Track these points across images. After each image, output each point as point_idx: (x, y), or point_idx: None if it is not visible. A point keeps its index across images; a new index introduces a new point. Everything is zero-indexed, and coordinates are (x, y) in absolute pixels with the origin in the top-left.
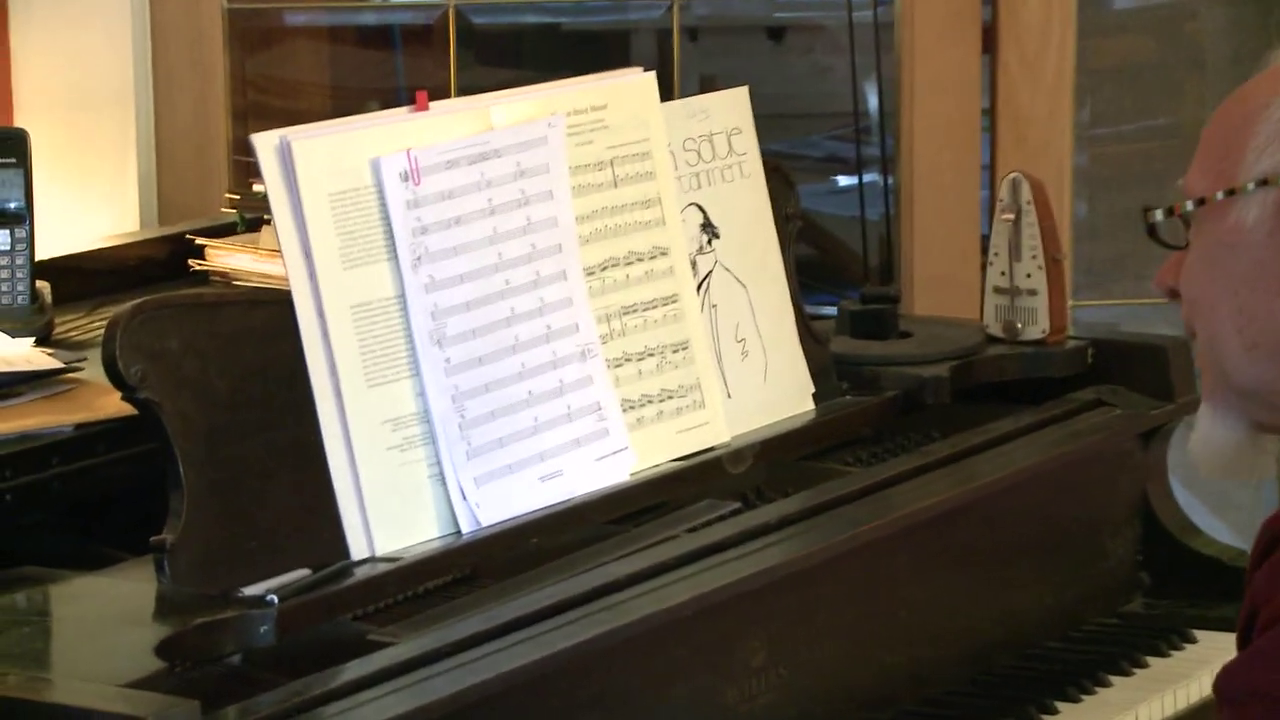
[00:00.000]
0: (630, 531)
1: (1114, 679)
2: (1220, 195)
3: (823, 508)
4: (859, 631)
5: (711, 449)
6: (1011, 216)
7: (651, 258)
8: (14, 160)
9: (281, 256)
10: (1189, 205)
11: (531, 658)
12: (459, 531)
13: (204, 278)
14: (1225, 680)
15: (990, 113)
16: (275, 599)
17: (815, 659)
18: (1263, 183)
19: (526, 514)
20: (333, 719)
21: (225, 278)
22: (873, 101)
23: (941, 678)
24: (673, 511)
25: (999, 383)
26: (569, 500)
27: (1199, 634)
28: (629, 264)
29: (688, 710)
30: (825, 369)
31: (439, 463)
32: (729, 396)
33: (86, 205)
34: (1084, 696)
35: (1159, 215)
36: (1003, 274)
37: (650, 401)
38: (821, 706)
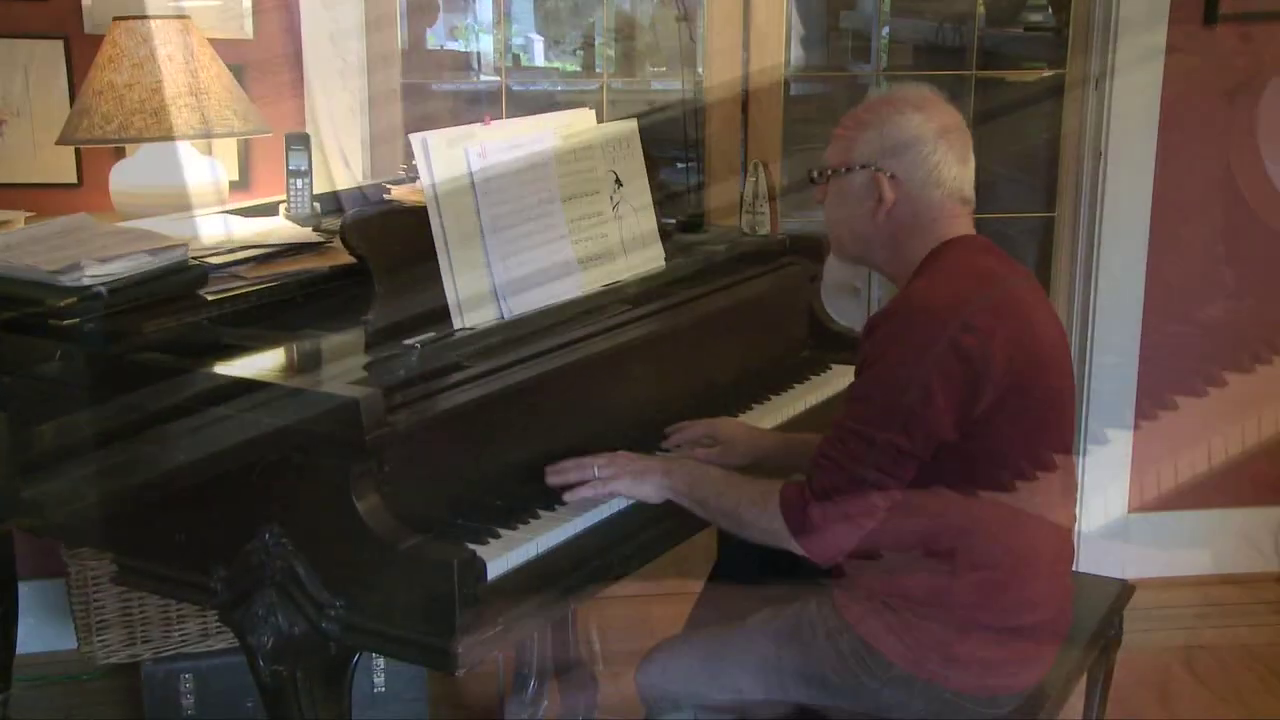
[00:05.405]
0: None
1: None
2: (844, 170)
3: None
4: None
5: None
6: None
7: (599, 211)
8: None
9: None
10: (825, 173)
11: None
12: None
13: None
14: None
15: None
16: None
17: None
18: (864, 166)
19: None
20: None
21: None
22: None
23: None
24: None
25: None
26: None
27: (836, 367)
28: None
29: None
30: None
31: None
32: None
33: None
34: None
35: (816, 176)
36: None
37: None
38: None
